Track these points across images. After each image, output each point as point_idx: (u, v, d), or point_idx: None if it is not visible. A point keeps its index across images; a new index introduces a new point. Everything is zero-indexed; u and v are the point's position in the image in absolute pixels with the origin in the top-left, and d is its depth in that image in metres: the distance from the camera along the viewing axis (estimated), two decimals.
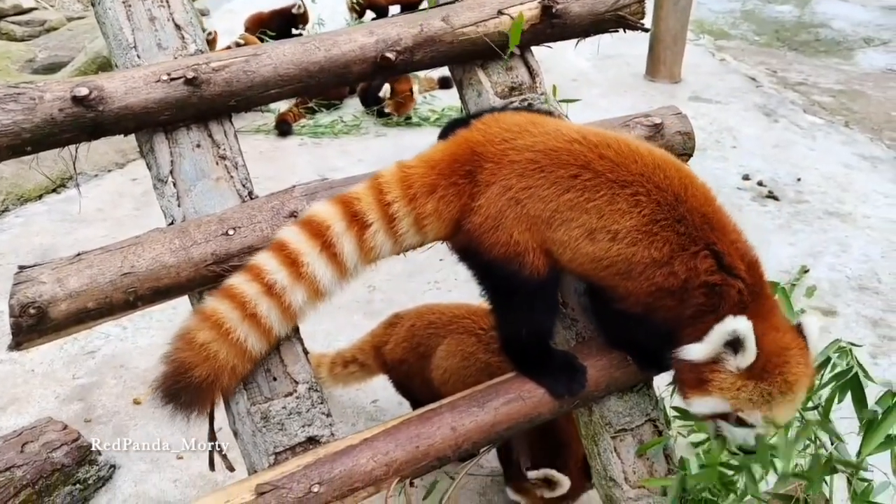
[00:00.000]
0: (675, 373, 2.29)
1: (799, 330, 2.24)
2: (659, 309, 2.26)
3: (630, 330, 2.43)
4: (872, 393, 2.40)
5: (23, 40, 10.71)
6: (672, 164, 2.34)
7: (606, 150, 2.28)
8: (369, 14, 10.64)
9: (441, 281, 5.29)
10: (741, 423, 2.18)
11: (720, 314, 2.16)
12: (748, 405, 2.13)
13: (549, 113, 2.78)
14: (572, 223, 2.24)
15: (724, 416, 2.21)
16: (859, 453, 2.31)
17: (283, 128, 8.05)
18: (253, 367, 2.27)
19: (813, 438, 2.58)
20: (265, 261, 2.19)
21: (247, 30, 9.64)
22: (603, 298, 2.40)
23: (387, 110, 8.25)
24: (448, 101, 8.58)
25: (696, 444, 3.41)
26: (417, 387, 3.65)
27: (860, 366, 2.44)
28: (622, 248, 2.22)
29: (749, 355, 2.08)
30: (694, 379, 2.19)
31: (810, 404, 2.59)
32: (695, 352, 2.15)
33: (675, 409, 2.67)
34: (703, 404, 2.20)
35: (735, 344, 2.08)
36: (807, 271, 5.44)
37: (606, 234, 2.23)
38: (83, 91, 2.25)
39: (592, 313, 2.66)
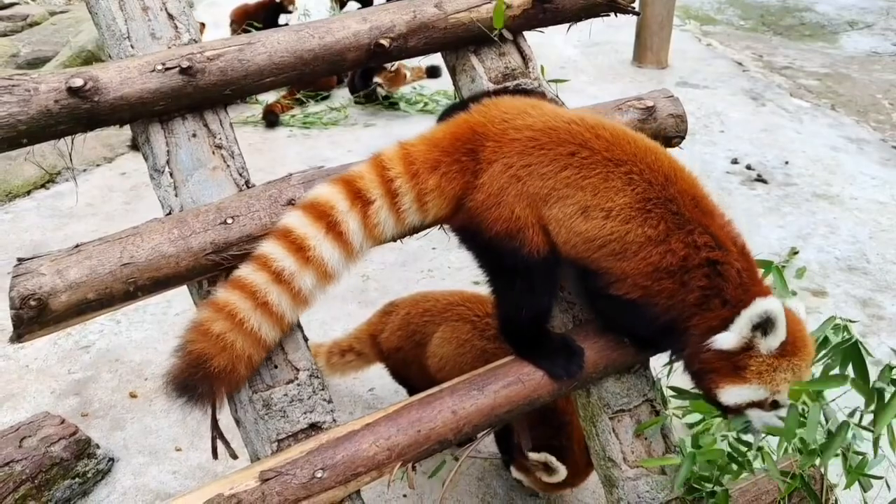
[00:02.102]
0: (698, 365, 2.25)
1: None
2: (659, 293, 2.25)
3: (628, 320, 2.42)
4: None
5: (5, 35, 10.59)
6: (661, 150, 2.39)
7: (602, 131, 2.32)
8: (352, 5, 10.59)
9: (434, 269, 5.31)
10: (775, 405, 2.19)
11: (725, 297, 2.18)
12: (784, 385, 2.14)
13: (543, 96, 2.80)
14: (568, 200, 2.26)
15: (759, 404, 2.21)
16: (874, 430, 2.29)
17: (271, 119, 8.02)
18: (266, 356, 2.28)
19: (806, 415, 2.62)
20: (272, 249, 2.19)
21: (232, 23, 9.57)
22: (597, 287, 2.37)
23: (377, 80, 8.19)
24: (437, 89, 8.58)
25: (691, 425, 3.46)
26: (414, 374, 3.67)
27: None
28: (615, 226, 2.23)
29: (781, 335, 2.10)
30: (728, 368, 2.18)
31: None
32: (727, 341, 2.14)
33: (672, 388, 2.71)
34: (738, 394, 2.20)
35: (765, 325, 2.09)
36: (796, 253, 5.52)
37: (600, 211, 2.24)
38: (78, 82, 2.23)
39: (588, 303, 2.66)
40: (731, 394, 2.21)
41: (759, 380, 2.15)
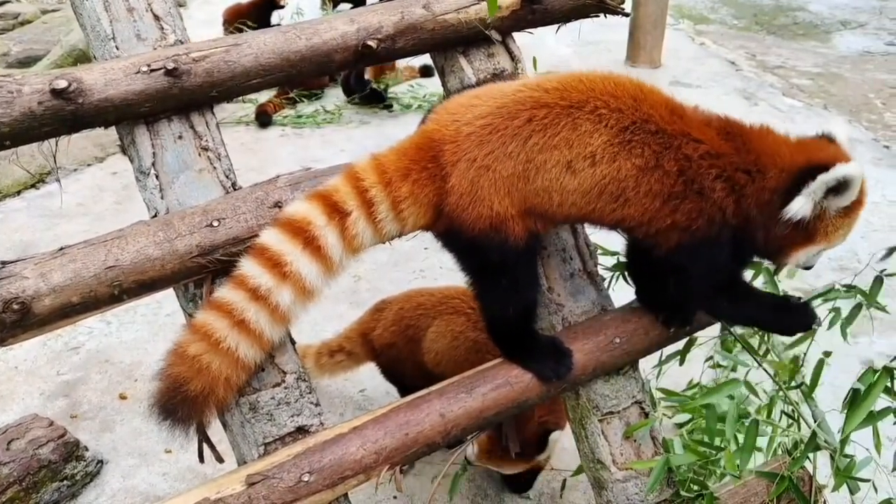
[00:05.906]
0: (771, 242, 2.24)
1: (829, 138, 2.34)
2: (693, 220, 2.22)
3: (714, 275, 2.35)
4: (854, 372, 2.44)
5: None
6: (619, 75, 2.34)
7: (549, 84, 2.28)
8: (344, 5, 10.55)
9: (426, 269, 5.30)
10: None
11: (744, 168, 2.18)
12: (840, 239, 2.20)
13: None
14: (547, 164, 2.21)
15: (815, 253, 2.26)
16: (843, 430, 2.35)
17: (263, 119, 7.98)
18: (248, 377, 2.25)
19: (796, 417, 2.63)
20: (248, 268, 2.16)
21: (225, 22, 9.51)
22: (659, 260, 2.34)
23: (367, 76, 8.16)
24: (431, 89, 8.55)
25: (680, 425, 3.47)
26: (408, 371, 3.65)
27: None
28: (605, 169, 2.20)
29: (854, 195, 2.11)
30: (801, 237, 2.20)
31: (793, 383, 2.64)
32: (801, 209, 2.13)
33: (661, 390, 2.71)
34: (803, 256, 2.23)
35: (839, 187, 2.09)
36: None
37: (584, 160, 2.20)
38: (62, 84, 2.21)
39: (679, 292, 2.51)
40: (797, 257, 2.24)
41: (825, 239, 2.19)
